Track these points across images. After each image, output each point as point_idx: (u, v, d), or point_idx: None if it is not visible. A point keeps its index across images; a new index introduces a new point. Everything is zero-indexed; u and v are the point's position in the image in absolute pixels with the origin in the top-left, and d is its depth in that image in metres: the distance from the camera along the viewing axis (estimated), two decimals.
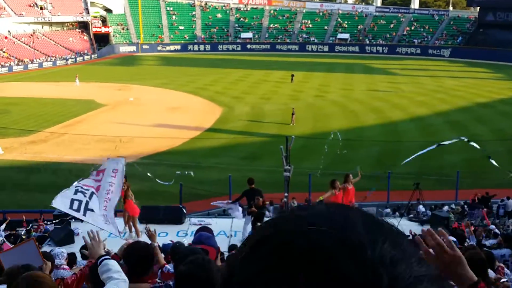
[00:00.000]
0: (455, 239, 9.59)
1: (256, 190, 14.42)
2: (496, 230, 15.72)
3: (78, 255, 9.87)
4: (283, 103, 43.65)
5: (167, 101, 44.84)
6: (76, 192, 9.80)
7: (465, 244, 9.85)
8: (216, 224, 14.50)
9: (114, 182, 10.50)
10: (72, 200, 9.59)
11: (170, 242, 10.04)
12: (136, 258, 4.60)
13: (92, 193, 10.01)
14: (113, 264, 4.03)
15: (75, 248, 10.48)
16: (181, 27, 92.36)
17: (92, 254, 4.47)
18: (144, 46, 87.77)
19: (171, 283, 4.56)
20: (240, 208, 14.09)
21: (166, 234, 13.42)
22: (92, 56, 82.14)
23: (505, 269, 8.04)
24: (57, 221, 14.29)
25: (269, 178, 21.88)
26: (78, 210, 9.55)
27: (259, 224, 12.93)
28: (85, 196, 9.79)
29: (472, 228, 15.86)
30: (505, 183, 24.56)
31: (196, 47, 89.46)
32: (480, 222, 19.39)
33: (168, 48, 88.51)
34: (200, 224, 15.54)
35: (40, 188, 24.17)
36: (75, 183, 10.15)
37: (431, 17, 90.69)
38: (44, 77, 60.71)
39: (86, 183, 10.19)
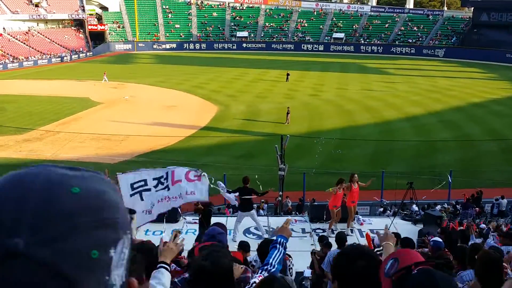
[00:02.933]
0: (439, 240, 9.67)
1: (249, 189, 14.63)
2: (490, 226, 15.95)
3: None
4: (279, 102, 43.77)
5: (162, 99, 44.86)
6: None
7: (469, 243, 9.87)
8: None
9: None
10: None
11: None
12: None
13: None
14: (166, 277, 3.93)
15: None
16: (177, 26, 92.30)
17: (164, 253, 4.18)
18: (140, 44, 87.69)
19: (186, 275, 4.68)
20: (232, 195, 14.59)
21: (161, 233, 13.58)
22: (88, 54, 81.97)
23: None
24: None
25: (264, 177, 21.99)
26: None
27: (207, 222, 13.15)
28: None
29: (465, 227, 16.04)
30: (497, 183, 24.82)
31: (192, 46, 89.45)
32: (473, 222, 19.62)
33: (164, 46, 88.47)
34: (195, 223, 15.71)
35: None
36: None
37: (425, 17, 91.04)
38: (39, 75, 60.56)
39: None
